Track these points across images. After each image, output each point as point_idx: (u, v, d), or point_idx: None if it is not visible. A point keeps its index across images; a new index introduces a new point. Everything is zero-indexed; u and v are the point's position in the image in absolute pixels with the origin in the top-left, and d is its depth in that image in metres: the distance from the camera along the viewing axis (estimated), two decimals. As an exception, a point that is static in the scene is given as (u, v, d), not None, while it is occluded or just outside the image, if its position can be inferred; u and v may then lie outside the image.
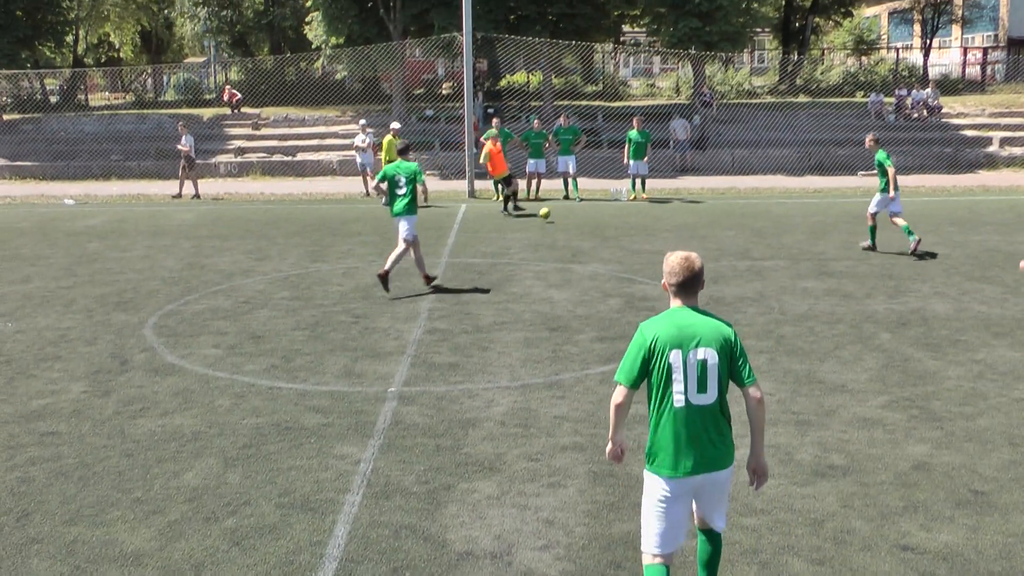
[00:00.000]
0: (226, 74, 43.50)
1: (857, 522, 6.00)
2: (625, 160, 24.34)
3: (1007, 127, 34.15)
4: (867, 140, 16.45)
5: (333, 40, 34.29)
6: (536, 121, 25.25)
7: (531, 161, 24.04)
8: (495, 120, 25.16)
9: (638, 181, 24.35)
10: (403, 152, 13.37)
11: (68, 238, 18.48)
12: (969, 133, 33.86)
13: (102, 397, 8.63)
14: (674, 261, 4.62)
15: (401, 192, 12.96)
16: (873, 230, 16.18)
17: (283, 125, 35.54)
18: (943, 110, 35.76)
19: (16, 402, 8.52)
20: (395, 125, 24.53)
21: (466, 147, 26.06)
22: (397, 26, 33.37)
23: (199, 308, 12.19)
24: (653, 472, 4.62)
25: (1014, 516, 6.08)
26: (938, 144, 32.74)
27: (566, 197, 24.23)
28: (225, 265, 15.21)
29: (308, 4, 35.20)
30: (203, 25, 47.93)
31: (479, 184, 26.03)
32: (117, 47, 56.92)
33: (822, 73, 43.17)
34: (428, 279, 13.27)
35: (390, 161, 23.74)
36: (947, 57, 49.12)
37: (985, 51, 46.50)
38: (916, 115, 35.36)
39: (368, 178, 25.81)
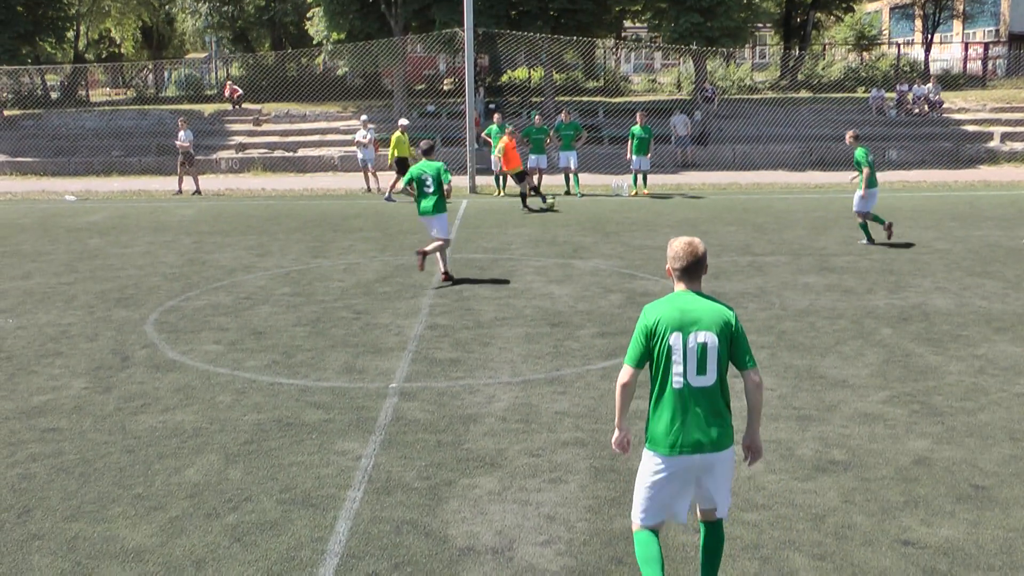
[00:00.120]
0: (227, 70, 43.49)
1: (858, 517, 6.00)
2: (628, 155, 24.34)
3: (1008, 122, 34.13)
4: (847, 136, 16.48)
5: (334, 36, 34.30)
6: (537, 117, 25.22)
7: (532, 157, 24.02)
8: (496, 116, 25.19)
9: (640, 176, 24.35)
10: (428, 152, 13.38)
11: (69, 234, 18.48)
12: (970, 128, 33.84)
13: (103, 393, 8.63)
14: (678, 246, 4.74)
15: (429, 191, 13.09)
16: (865, 226, 16.30)
17: (284, 121, 35.54)
18: (944, 105, 35.72)
19: (17, 398, 8.53)
20: (403, 122, 24.51)
21: (467, 143, 26.05)
22: (398, 22, 33.35)
23: (200, 304, 12.19)
24: (650, 449, 4.74)
25: (1015, 511, 6.08)
26: (939, 139, 32.73)
27: (567, 193, 24.24)
28: (226, 261, 15.22)
29: (309, 0, 35.19)
30: (204, 21, 47.94)
31: (480, 180, 26.02)
32: (118, 43, 56.91)
33: (823, 68, 43.13)
34: (421, 252, 13.23)
35: (398, 157, 23.83)
36: (948, 52, 49.08)
37: (986, 46, 46.44)
38: (917, 110, 35.35)
39: (369, 174, 25.81)
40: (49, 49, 43.23)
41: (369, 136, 25.63)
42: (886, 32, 56.79)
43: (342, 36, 34.05)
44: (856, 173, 16.13)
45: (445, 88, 42.43)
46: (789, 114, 33.98)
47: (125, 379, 9.05)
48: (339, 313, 11.58)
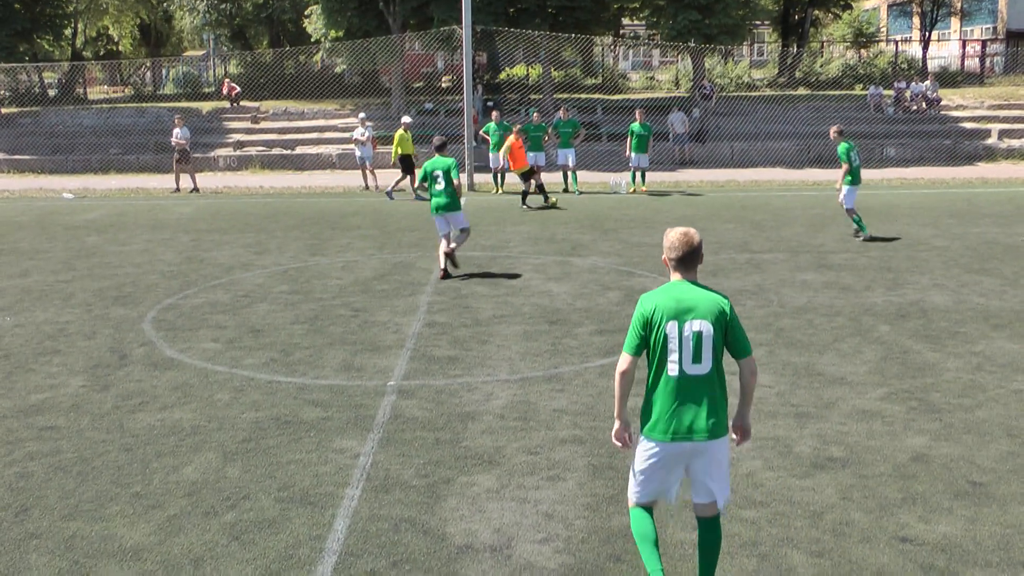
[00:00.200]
0: (225, 67, 43.45)
1: (856, 514, 6.01)
2: (627, 152, 24.35)
3: (1006, 119, 34.16)
4: (832, 131, 16.70)
5: (332, 33, 34.28)
6: (535, 114, 25.23)
7: (530, 154, 23.96)
8: (495, 113, 25.18)
9: (638, 174, 24.36)
10: (440, 148, 13.63)
11: (67, 232, 18.47)
12: (968, 125, 33.86)
13: (101, 391, 8.63)
14: (674, 236, 4.87)
15: (440, 187, 13.29)
16: (858, 220, 16.40)
17: (282, 119, 35.52)
18: (942, 102, 35.74)
19: (15, 396, 8.52)
20: (406, 119, 24.49)
21: (465, 141, 26.02)
22: (396, 19, 33.33)
23: (198, 302, 12.19)
24: (645, 436, 4.83)
25: (1012, 507, 6.09)
26: (937, 136, 32.75)
27: (565, 190, 24.23)
28: (224, 259, 15.21)
29: (307, -3, 35.21)
30: (202, 18, 47.86)
31: (478, 178, 26.01)
32: (116, 40, 56.78)
33: (821, 66, 43.12)
34: (447, 270, 13.44)
35: (402, 155, 23.82)
36: (946, 50, 49.10)
37: (984, 43, 46.45)
38: (915, 108, 35.35)
39: (368, 171, 25.79)
40: (47, 47, 43.15)
41: (367, 134, 25.60)
42: (884, 29, 56.81)
43: (340, 34, 34.03)
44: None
45: (443, 86, 42.39)
46: (787, 111, 33.98)
47: (123, 377, 9.04)
48: (337, 311, 11.58)
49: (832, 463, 6.81)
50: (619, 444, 4.99)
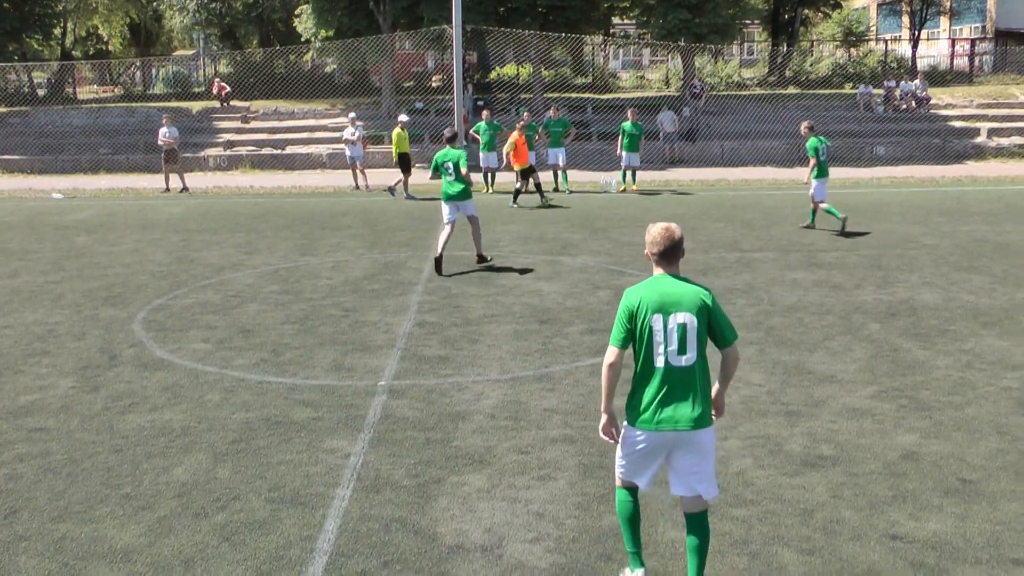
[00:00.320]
0: (215, 67, 43.35)
1: (846, 512, 6.02)
2: (618, 151, 24.37)
3: (995, 118, 34.28)
4: (802, 127, 17.53)
5: (323, 33, 34.23)
6: (526, 113, 25.21)
7: (484, 155, 24.07)
8: (485, 112, 25.16)
9: (629, 172, 24.37)
10: (451, 140, 14.32)
11: (56, 232, 18.41)
12: (957, 124, 33.96)
13: (91, 392, 8.60)
14: (656, 231, 4.99)
15: (451, 177, 13.92)
16: (831, 211, 16.92)
17: (272, 118, 35.45)
18: (931, 101, 35.85)
19: (4, 398, 8.48)
20: (403, 118, 24.44)
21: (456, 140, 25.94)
22: (387, 19, 33.29)
23: (188, 302, 12.16)
24: (630, 424, 4.93)
25: (1002, 504, 6.11)
26: (926, 135, 32.83)
27: (556, 189, 24.23)
28: (214, 259, 15.17)
29: (297, -4, 35.15)
30: (192, 18, 47.70)
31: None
32: (105, 40, 56.58)
33: (811, 65, 43.21)
34: (479, 256, 14.29)
35: (400, 153, 23.79)
36: (935, 49, 49.21)
37: (973, 42, 46.59)
38: (905, 106, 35.45)
39: (358, 171, 25.75)
40: (36, 46, 42.93)
41: (357, 133, 25.56)
42: (873, 28, 56.91)
43: (330, 33, 33.97)
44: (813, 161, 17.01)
45: (433, 85, 42.36)
46: (777, 110, 34.03)
47: (113, 378, 9.02)
48: (327, 311, 11.56)
49: (822, 461, 6.83)
50: (606, 438, 5.08)
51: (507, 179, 24.91)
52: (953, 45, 46.78)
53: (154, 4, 50.24)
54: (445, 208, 14.10)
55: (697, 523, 4.98)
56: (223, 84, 37.81)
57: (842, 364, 9.19)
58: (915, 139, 32.34)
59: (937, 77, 40.55)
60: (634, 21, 39.36)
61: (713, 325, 4.87)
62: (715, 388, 5.08)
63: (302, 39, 36.74)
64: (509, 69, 42.37)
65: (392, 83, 35.40)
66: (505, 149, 22.41)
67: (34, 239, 17.63)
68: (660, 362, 4.81)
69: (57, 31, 44.52)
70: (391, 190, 23.55)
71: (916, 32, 46.20)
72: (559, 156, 24.20)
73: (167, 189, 25.83)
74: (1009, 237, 16.40)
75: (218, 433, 7.52)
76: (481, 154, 24.58)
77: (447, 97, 31.78)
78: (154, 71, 48.35)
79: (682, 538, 5.55)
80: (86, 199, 24.68)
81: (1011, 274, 13.32)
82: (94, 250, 16.25)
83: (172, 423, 7.76)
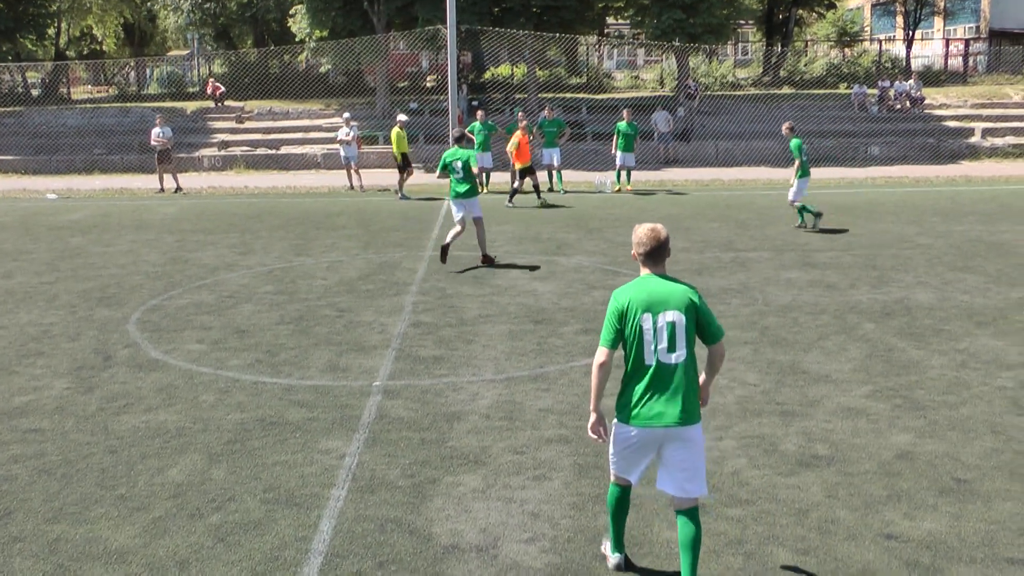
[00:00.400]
0: (209, 67, 43.26)
1: (841, 511, 6.03)
2: (613, 151, 24.38)
3: (989, 118, 34.34)
4: (784, 128, 17.96)
5: (317, 33, 34.19)
6: (520, 113, 25.20)
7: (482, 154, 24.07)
8: (479, 113, 25.14)
9: (623, 172, 24.39)
10: (459, 140, 14.72)
11: (51, 233, 18.37)
12: (951, 124, 34.02)
13: (85, 393, 8.58)
14: (642, 232, 5.07)
15: (460, 176, 14.12)
16: (801, 210, 17.52)
17: (267, 118, 35.41)
18: (926, 101, 35.90)
19: (-2, 399, 8.47)
20: (402, 117, 24.40)
21: (450, 140, 25.92)
22: (381, 19, 33.27)
23: (183, 303, 12.14)
24: (620, 421, 5.03)
25: (996, 503, 6.12)
26: (921, 135, 32.89)
27: (550, 189, 24.22)
28: (209, 259, 15.16)
29: (292, -3, 35.11)
30: (186, 18, 47.65)
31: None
32: (99, 40, 56.46)
33: (805, 65, 43.26)
34: (485, 257, 14.34)
35: (400, 153, 23.76)
36: (929, 49, 49.31)
37: (967, 43, 46.67)
38: (899, 106, 35.50)
39: (353, 171, 25.73)
40: (30, 46, 42.84)
41: (352, 134, 25.54)
42: (868, 28, 56.99)
43: (324, 33, 33.94)
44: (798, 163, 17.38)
45: (428, 85, 42.31)
46: (771, 111, 34.05)
47: (107, 379, 9.00)
48: (322, 311, 11.55)
49: (817, 461, 6.84)
50: (594, 436, 5.17)
51: (502, 179, 24.89)
52: (947, 45, 46.86)
53: (148, 4, 50.14)
54: (454, 207, 14.35)
55: (689, 519, 5.02)
56: (217, 84, 37.74)
57: (837, 364, 9.20)
58: (909, 139, 32.40)
59: (931, 77, 40.61)
60: (628, 21, 39.32)
61: (701, 322, 4.97)
62: (701, 379, 5.18)
63: (296, 39, 36.69)
64: (504, 69, 42.37)
65: (387, 83, 35.37)
66: (508, 148, 22.41)
67: (28, 240, 17.59)
68: (651, 360, 4.91)
69: (51, 31, 44.43)
70: (402, 196, 23.58)
71: (910, 32, 46.27)
72: (554, 156, 24.21)
73: (162, 189, 25.79)
74: (1003, 237, 16.43)
75: (213, 434, 7.51)
76: (476, 154, 24.51)
77: (442, 97, 31.77)
78: (148, 71, 48.24)
79: (677, 538, 5.56)
80: (80, 199, 24.63)
81: (1005, 274, 13.34)
82: (88, 251, 16.22)
83: (167, 424, 7.75)
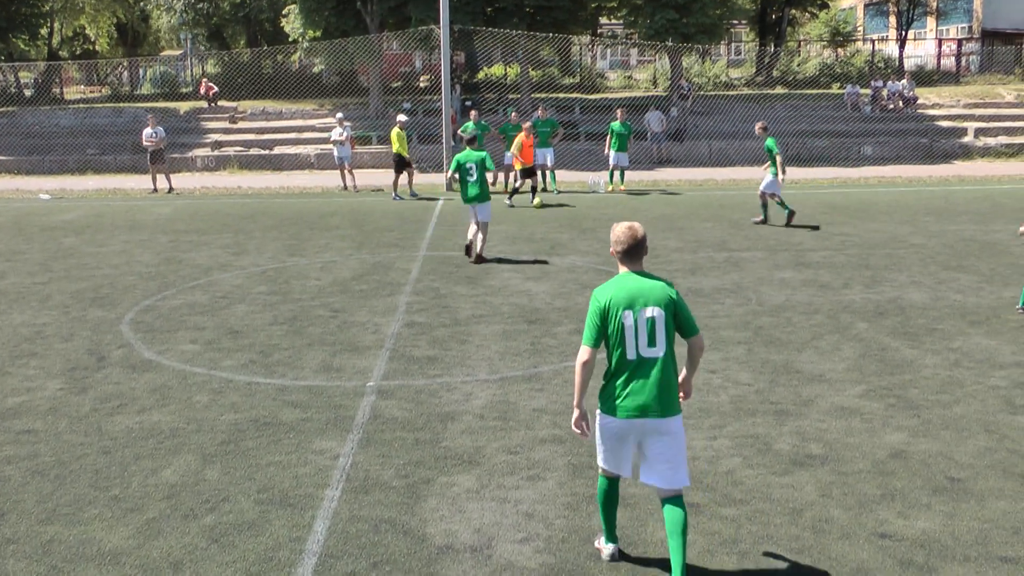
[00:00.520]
0: (202, 67, 43.19)
1: (835, 511, 6.04)
2: (607, 150, 24.39)
3: (981, 118, 34.41)
4: (757, 128, 18.33)
5: (310, 33, 34.15)
6: (514, 113, 25.23)
7: (508, 153, 24.02)
8: (473, 113, 25.13)
9: (617, 172, 24.40)
10: (471, 142, 14.54)
11: (43, 233, 18.32)
12: (944, 124, 34.09)
13: (79, 394, 8.57)
14: (620, 231, 5.17)
15: (472, 179, 14.13)
16: (765, 207, 18.03)
17: (260, 118, 35.35)
18: (918, 101, 35.98)
19: (-9, 400, 8.45)
20: (401, 117, 24.37)
21: (444, 140, 25.99)
22: (374, 19, 33.24)
23: (176, 303, 12.12)
24: (603, 412, 5.14)
25: (990, 502, 6.13)
26: (914, 135, 32.95)
27: (544, 189, 24.22)
28: (202, 260, 15.13)
29: (285, -3, 35.06)
30: (179, 18, 47.54)
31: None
32: (92, 40, 56.31)
33: (799, 65, 43.31)
34: (478, 256, 14.32)
35: (398, 154, 23.73)
36: (922, 49, 49.40)
37: (960, 43, 46.78)
38: (892, 106, 35.57)
39: (346, 172, 25.71)
40: (23, 46, 42.74)
41: (345, 134, 25.53)
42: (861, 28, 57.08)
43: (318, 33, 33.90)
44: (768, 162, 17.77)
45: (421, 85, 42.29)
46: (764, 110, 34.07)
47: (101, 380, 8.98)
48: (316, 311, 11.54)
49: (811, 460, 6.85)
50: (577, 431, 5.28)
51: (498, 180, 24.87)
52: (940, 45, 46.97)
53: (141, 4, 50.05)
54: (470, 210, 14.53)
55: (673, 504, 5.11)
56: (211, 84, 37.68)
57: (830, 363, 9.21)
58: (902, 139, 32.45)
59: (924, 77, 40.70)
60: (621, 21, 39.39)
61: (679, 317, 5.10)
62: (683, 374, 5.32)
63: (290, 39, 36.65)
64: (497, 69, 42.36)
65: (380, 83, 35.34)
66: (512, 150, 22.41)
67: (21, 240, 17.54)
68: (632, 354, 5.04)
69: (44, 31, 44.31)
70: (413, 194, 23.55)
71: (903, 32, 46.37)
72: (547, 156, 24.19)
73: (155, 190, 25.73)
74: (996, 236, 16.47)
75: (207, 434, 7.50)
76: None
77: (435, 97, 31.75)
78: (141, 71, 48.16)
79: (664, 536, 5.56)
80: (73, 200, 24.57)
81: (998, 273, 13.38)
82: (82, 251, 16.19)
83: (160, 424, 7.74)
